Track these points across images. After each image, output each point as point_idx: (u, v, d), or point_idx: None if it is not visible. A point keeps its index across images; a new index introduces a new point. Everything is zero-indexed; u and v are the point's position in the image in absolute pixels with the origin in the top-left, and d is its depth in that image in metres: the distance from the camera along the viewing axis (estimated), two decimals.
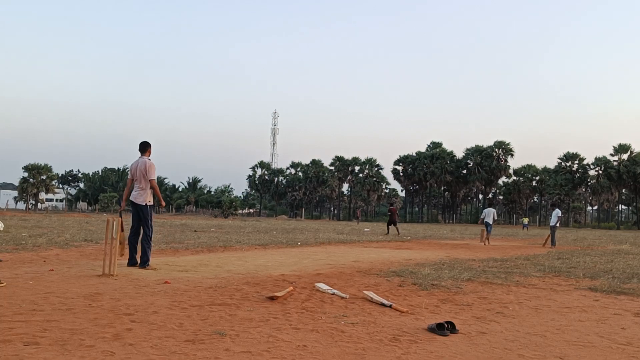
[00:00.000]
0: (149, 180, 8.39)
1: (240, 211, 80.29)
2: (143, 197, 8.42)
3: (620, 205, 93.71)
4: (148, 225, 8.43)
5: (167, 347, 3.80)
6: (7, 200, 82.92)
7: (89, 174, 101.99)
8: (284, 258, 11.15)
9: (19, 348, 3.61)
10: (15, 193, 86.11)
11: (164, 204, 8.77)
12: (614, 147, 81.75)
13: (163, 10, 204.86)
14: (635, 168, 77.88)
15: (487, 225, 20.81)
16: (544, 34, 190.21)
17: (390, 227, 26.04)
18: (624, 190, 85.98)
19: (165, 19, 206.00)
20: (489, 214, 21.15)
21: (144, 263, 8.28)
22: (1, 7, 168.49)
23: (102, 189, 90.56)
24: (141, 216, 8.45)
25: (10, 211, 56.98)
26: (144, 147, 8.61)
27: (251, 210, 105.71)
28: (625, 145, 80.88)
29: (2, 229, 5.75)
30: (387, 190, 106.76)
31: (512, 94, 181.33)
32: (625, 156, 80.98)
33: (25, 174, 70.95)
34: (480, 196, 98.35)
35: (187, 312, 5.05)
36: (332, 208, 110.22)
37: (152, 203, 8.53)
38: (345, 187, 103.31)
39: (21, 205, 78.00)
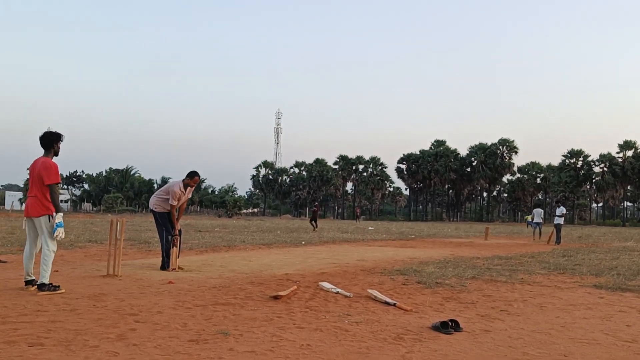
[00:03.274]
0: (170, 204, 8.44)
1: (245, 211, 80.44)
2: (153, 202, 8.59)
3: (625, 202, 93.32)
4: (159, 227, 8.48)
5: (171, 347, 3.80)
6: (12, 202, 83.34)
7: (93, 174, 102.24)
8: (288, 257, 11.16)
9: (24, 349, 3.62)
10: (20, 194, 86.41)
11: (176, 232, 8.56)
12: (619, 143, 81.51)
13: (166, 11, 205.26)
14: None
15: (536, 224, 22.97)
16: (548, 31, 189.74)
17: (313, 223, 27.75)
18: (629, 187, 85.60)
19: (169, 20, 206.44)
20: (538, 214, 22.66)
21: (162, 264, 8.31)
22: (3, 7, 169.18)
23: (107, 190, 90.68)
24: (155, 219, 8.64)
25: (16, 212, 57.16)
26: (188, 175, 8.60)
27: (255, 210, 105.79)
28: (630, 141, 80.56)
29: None
30: (391, 189, 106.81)
31: (517, 92, 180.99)
32: (630, 153, 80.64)
33: None
34: (485, 194, 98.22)
35: (191, 312, 5.06)
36: (336, 207, 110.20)
37: (159, 210, 8.51)
38: (349, 186, 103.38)
39: None
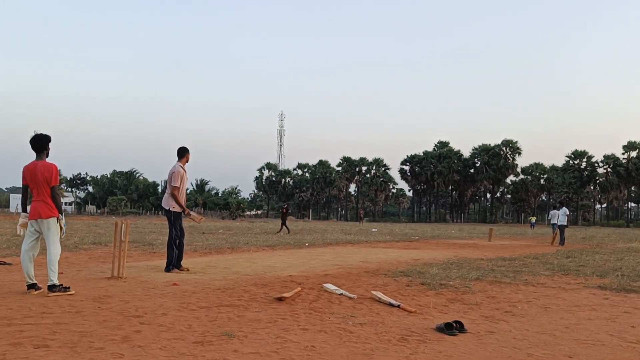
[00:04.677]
0: (171, 186, 8.41)
1: (248, 213, 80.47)
2: (167, 201, 8.49)
3: (629, 203, 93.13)
4: (170, 229, 8.46)
5: (176, 349, 3.81)
6: (17, 204, 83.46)
7: (97, 177, 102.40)
8: (292, 259, 11.16)
9: (29, 351, 3.64)
10: None
11: (187, 211, 8.59)
12: (623, 144, 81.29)
13: (171, 15, 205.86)
14: None
15: (552, 226, 22.29)
16: (552, 32, 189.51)
17: (283, 226, 26.16)
18: (633, 188, 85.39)
19: (174, 20, 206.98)
20: (554, 216, 22.35)
21: (166, 266, 8.30)
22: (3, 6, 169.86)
23: (111, 192, 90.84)
24: (168, 220, 8.54)
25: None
26: (177, 153, 8.60)
27: (259, 212, 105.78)
28: (634, 142, 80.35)
29: None
30: (394, 190, 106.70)
31: (520, 92, 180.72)
32: (634, 153, 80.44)
33: None
34: (488, 195, 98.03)
35: (196, 313, 5.07)
36: (339, 209, 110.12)
37: (176, 209, 8.46)
38: (352, 188, 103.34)
39: None
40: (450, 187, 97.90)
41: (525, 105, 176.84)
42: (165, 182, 8.72)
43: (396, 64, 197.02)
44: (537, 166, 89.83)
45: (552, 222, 23.38)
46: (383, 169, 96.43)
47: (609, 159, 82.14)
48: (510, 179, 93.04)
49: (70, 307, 5.16)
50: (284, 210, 27.85)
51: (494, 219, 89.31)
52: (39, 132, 6.14)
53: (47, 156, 6.16)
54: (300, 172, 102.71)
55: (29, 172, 6.04)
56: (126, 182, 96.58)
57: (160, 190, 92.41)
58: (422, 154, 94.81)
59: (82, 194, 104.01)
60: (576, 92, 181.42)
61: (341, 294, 6.38)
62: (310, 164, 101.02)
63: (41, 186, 5.99)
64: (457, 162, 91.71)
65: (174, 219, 8.41)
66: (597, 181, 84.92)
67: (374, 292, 6.41)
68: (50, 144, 6.20)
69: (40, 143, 6.06)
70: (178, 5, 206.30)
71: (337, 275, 8.38)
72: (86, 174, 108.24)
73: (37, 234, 6.12)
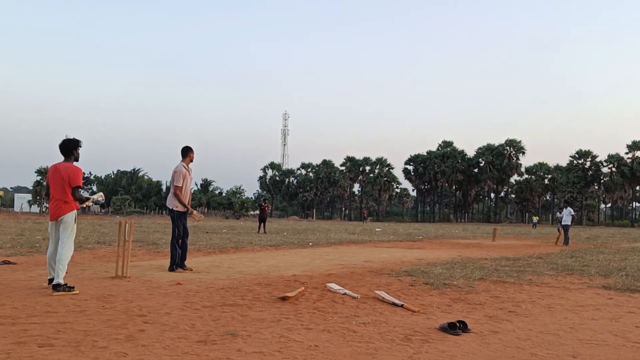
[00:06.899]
0: (173, 186, 8.42)
1: (252, 212, 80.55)
2: (171, 201, 8.50)
3: (634, 203, 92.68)
4: (173, 228, 8.48)
5: (180, 348, 3.82)
6: (22, 204, 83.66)
7: (101, 176, 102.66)
8: (296, 258, 11.16)
9: (34, 350, 3.65)
10: (29, 196, 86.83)
11: (190, 210, 8.58)
12: (628, 144, 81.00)
13: (176, 16, 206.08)
14: None
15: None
16: (555, 31, 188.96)
17: (261, 224, 24.96)
18: (637, 188, 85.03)
19: (179, 21, 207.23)
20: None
21: (170, 266, 8.31)
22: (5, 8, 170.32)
23: (115, 192, 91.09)
24: (172, 219, 8.56)
25: (25, 214, 57.50)
26: (181, 153, 8.60)
27: None
28: (638, 142, 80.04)
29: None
30: (398, 190, 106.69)
31: (524, 92, 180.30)
32: (639, 153, 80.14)
33: (39, 178, 71.51)
34: (492, 195, 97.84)
35: (199, 313, 5.08)
36: (343, 208, 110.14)
37: (180, 209, 8.46)
38: (356, 187, 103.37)
39: (35, 208, 78.61)
40: (454, 187, 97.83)
41: (529, 105, 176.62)
42: (170, 181, 8.75)
43: (400, 64, 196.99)
44: (541, 166, 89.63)
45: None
46: (387, 168, 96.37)
47: (613, 159, 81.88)
48: (514, 178, 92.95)
49: (75, 307, 5.18)
50: (266, 208, 25.57)
51: (498, 219, 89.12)
52: (67, 137, 6.32)
53: (75, 160, 6.33)
54: (304, 171, 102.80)
55: (51, 172, 6.27)
56: (130, 182, 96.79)
57: (164, 189, 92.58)
58: (425, 154, 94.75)
59: (86, 194, 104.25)
60: (580, 91, 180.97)
61: (345, 294, 6.38)
62: (314, 163, 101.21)
63: (60, 186, 6.13)
64: (461, 162, 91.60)
65: (178, 219, 8.42)
66: (602, 181, 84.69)
67: (377, 292, 6.41)
68: (81, 149, 6.35)
69: (65, 148, 6.23)
70: (183, 5, 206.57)
71: (341, 274, 8.38)
72: (90, 173, 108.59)
73: (58, 233, 6.23)
